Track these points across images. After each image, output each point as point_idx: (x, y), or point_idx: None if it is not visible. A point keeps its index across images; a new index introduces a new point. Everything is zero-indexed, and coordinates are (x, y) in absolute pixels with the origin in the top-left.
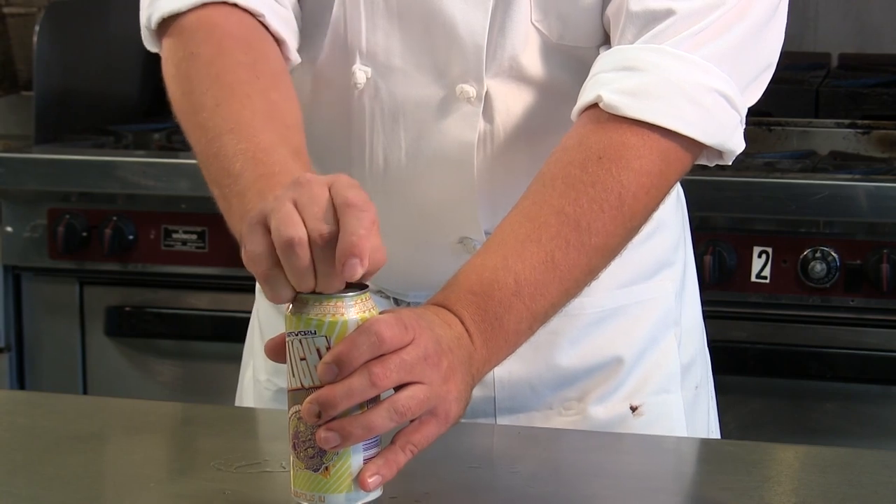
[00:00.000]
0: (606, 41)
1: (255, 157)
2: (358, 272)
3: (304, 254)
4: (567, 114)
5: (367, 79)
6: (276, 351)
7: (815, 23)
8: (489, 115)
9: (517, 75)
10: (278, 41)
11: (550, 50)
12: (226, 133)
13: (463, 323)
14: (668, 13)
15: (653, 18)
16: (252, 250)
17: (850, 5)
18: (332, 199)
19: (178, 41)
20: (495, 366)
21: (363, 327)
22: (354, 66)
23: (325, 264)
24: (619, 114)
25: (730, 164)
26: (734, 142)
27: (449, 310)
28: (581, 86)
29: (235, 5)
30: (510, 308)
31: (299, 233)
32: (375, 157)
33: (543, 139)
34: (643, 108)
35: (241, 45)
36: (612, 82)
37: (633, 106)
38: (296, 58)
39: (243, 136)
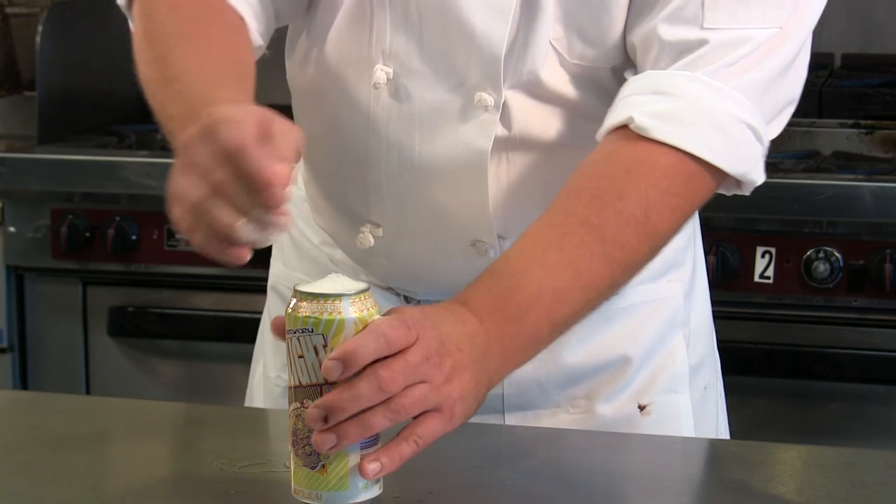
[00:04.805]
0: (621, 62)
1: (186, 100)
2: (283, 197)
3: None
4: (581, 129)
5: (389, 79)
6: (280, 331)
7: (819, 23)
8: (506, 123)
9: (535, 89)
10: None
11: (568, 67)
12: (172, 82)
13: (480, 322)
14: (702, 43)
15: (686, 48)
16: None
17: (853, 5)
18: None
19: (140, 6)
20: (514, 369)
21: (370, 328)
22: (377, 66)
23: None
24: (649, 136)
25: (748, 194)
26: (756, 173)
27: (467, 307)
28: (595, 104)
29: None
30: (529, 312)
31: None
32: (390, 156)
33: (558, 150)
34: (673, 133)
35: (195, 2)
36: (644, 105)
37: (662, 129)
38: (256, 39)
39: (187, 82)
